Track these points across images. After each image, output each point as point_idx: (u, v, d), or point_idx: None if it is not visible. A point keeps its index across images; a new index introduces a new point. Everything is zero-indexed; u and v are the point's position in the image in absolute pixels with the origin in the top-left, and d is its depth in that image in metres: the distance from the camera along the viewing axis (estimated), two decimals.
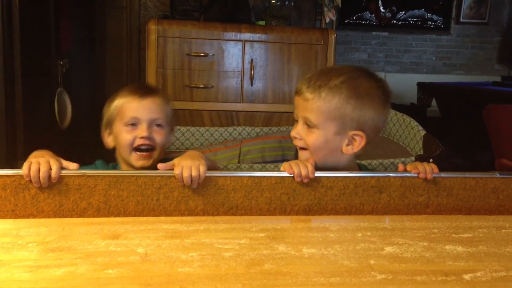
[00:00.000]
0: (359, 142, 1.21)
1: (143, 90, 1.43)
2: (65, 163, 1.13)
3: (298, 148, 1.26)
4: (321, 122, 1.20)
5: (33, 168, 1.07)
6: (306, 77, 1.26)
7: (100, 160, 1.44)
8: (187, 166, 1.12)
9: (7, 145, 2.35)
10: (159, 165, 1.17)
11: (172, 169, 1.14)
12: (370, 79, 1.24)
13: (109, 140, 1.43)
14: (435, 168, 1.23)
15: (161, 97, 1.43)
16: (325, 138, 1.21)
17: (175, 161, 1.15)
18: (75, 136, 3.05)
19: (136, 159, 1.35)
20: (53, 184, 1.08)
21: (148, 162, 1.35)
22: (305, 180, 1.16)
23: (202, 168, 1.13)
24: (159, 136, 1.37)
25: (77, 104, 3.01)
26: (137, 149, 1.35)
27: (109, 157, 1.45)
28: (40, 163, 1.08)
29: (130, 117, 1.36)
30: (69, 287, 0.76)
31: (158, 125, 1.38)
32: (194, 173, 1.12)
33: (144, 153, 1.35)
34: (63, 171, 1.09)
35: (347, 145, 1.22)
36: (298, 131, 1.24)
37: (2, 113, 2.32)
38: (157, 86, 2.78)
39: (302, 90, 1.22)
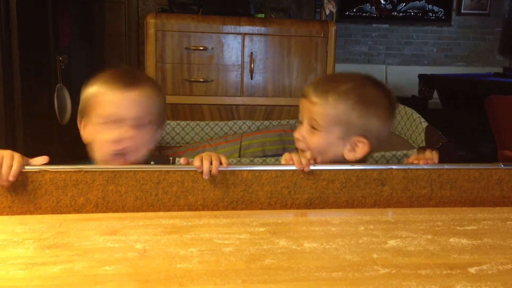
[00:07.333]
0: (362, 148, 1.22)
1: (128, 78, 1.18)
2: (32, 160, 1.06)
3: (299, 150, 1.25)
4: (326, 125, 1.20)
5: None
6: (313, 81, 1.28)
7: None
8: (206, 157, 1.08)
9: (6, 141, 2.34)
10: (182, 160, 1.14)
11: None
12: (377, 88, 1.24)
13: (85, 133, 1.21)
14: (435, 155, 1.24)
15: (150, 88, 1.20)
16: (327, 141, 1.21)
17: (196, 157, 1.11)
18: (75, 132, 3.04)
19: (112, 160, 1.17)
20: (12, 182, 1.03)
21: (126, 163, 1.17)
22: (306, 169, 1.13)
23: (224, 159, 1.10)
24: (145, 135, 1.18)
25: (77, 100, 2.99)
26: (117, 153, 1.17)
27: None
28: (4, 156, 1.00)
29: (109, 113, 1.15)
30: (65, 285, 0.74)
31: (145, 124, 1.17)
32: (214, 161, 1.08)
33: (122, 159, 1.16)
34: (61, 167, 1.08)
35: (349, 150, 1.22)
36: (302, 133, 1.24)
37: (2, 109, 2.31)
38: (154, 77, 2.69)
39: (309, 94, 1.22)
